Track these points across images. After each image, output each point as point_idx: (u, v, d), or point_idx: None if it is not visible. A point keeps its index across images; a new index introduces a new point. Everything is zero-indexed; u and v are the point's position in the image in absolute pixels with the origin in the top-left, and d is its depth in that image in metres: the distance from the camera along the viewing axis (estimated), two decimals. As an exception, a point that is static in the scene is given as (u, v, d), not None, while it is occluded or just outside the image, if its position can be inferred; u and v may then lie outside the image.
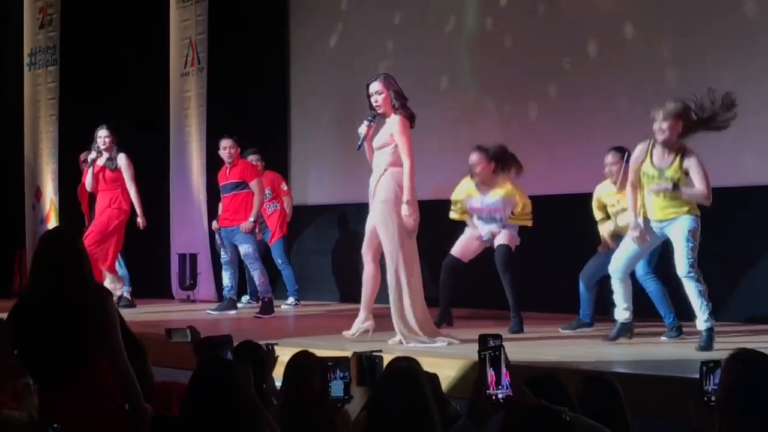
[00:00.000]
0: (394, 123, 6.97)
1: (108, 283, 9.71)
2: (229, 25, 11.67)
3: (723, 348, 5.65)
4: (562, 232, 9.02)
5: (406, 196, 6.90)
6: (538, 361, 6.06)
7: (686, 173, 6.67)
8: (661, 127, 6.64)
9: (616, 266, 6.99)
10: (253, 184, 9.73)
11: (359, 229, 11.07)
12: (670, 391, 5.09)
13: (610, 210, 7.78)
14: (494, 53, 10.06)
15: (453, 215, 8.31)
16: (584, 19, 9.39)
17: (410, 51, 10.62)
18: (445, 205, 8.37)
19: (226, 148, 9.78)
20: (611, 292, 7.17)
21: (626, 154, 7.30)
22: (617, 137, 7.90)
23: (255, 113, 11.74)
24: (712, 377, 3.35)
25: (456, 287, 8.23)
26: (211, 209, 11.16)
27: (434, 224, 8.28)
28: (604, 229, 7.85)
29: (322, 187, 11.59)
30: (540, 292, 8.99)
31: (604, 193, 7.81)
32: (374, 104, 7.04)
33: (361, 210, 10.87)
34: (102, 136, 10.00)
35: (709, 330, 6.59)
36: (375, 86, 7.02)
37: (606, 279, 7.45)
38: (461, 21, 10.35)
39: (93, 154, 10.00)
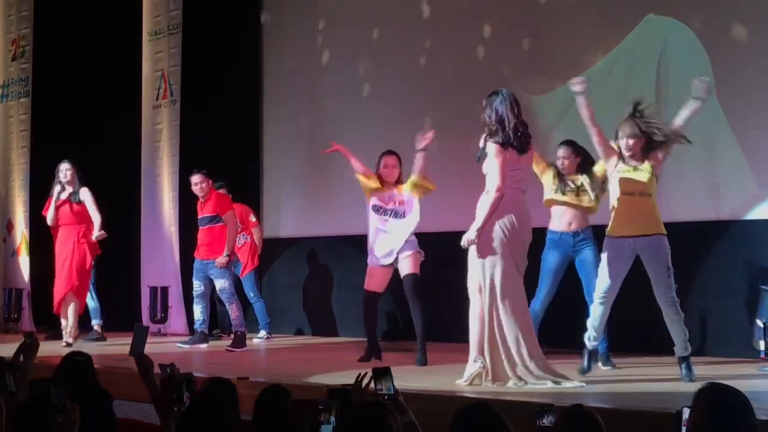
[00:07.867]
0: (490, 149, 6.38)
1: (72, 311, 9.75)
2: (203, 58, 11.69)
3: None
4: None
5: (475, 224, 6.31)
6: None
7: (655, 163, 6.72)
8: (627, 143, 6.70)
9: (599, 289, 6.76)
10: (227, 217, 9.68)
11: (331, 263, 11.13)
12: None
13: None
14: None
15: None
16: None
17: (387, 84, 10.71)
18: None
19: (197, 183, 9.72)
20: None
21: None
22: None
23: (227, 146, 11.74)
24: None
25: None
26: (183, 241, 11.13)
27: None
28: None
29: (295, 220, 11.57)
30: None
31: None
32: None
33: (333, 244, 10.92)
34: (64, 169, 9.80)
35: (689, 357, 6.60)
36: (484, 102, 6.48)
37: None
38: (435, 61, 10.41)
39: (58, 188, 9.84)
